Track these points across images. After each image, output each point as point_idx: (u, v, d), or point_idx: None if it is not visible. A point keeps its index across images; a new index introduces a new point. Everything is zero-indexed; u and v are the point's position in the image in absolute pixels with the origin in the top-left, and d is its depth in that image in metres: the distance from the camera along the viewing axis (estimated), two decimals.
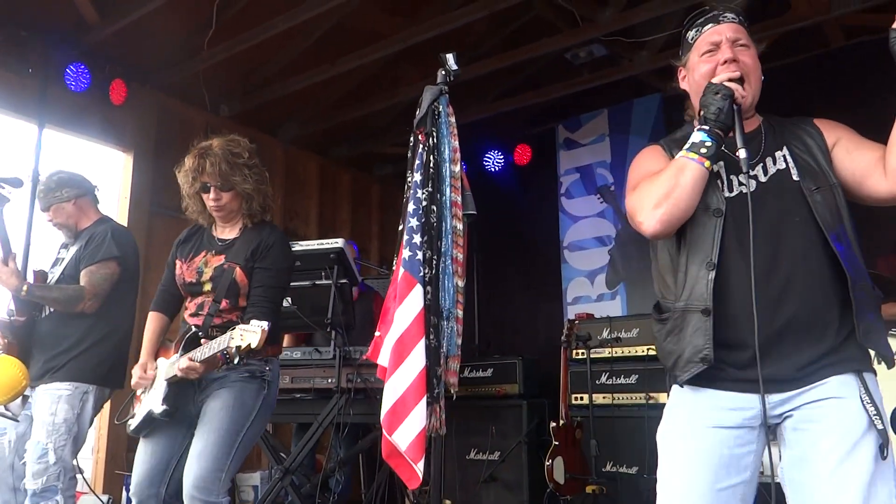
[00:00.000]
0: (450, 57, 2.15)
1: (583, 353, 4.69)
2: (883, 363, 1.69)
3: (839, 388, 1.62)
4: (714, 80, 1.70)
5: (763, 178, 1.74)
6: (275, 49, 5.44)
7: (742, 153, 1.60)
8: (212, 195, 2.65)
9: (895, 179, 1.63)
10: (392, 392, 2.01)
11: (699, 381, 1.71)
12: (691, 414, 1.74)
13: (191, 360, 2.40)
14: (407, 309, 2.03)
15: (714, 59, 1.77)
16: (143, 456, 2.60)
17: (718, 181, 1.74)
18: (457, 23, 5.00)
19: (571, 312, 5.83)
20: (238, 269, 2.61)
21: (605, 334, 4.81)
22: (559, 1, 4.86)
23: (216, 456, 2.43)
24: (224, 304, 2.58)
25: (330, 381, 3.57)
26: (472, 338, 6.46)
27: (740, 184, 1.72)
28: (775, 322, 1.63)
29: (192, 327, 2.59)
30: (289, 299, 3.66)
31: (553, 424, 4.44)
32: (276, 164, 6.35)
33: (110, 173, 5.35)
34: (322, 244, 3.69)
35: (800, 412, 1.66)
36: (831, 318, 1.64)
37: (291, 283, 3.68)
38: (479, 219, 6.83)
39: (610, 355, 4.73)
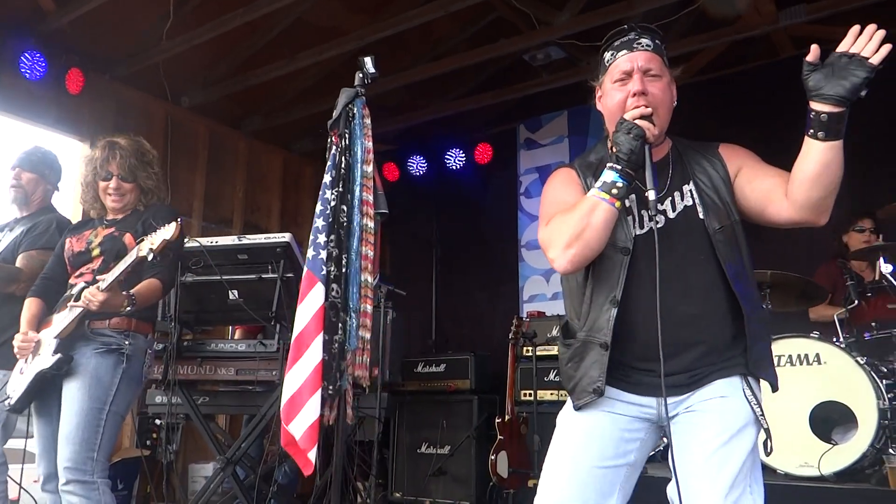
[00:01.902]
0: (367, 60, 2.20)
1: (530, 351, 4.78)
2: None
3: (724, 388, 1.73)
4: (626, 116, 1.71)
5: (671, 214, 1.78)
6: (237, 42, 5.46)
7: (651, 195, 1.63)
8: (113, 184, 2.82)
9: (795, 208, 1.68)
10: (291, 385, 2.09)
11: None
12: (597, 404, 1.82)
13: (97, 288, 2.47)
14: (307, 306, 2.10)
15: (625, 88, 1.77)
16: (36, 434, 2.71)
17: (629, 217, 1.78)
18: (417, 21, 5.05)
19: (528, 310, 5.92)
20: (128, 234, 2.75)
21: (554, 332, 4.90)
22: (515, 3, 4.91)
23: (83, 438, 2.51)
24: (112, 266, 2.63)
25: (274, 373, 3.60)
26: (429, 333, 6.54)
27: (650, 219, 1.76)
28: (681, 356, 1.73)
29: (80, 284, 2.68)
30: (235, 292, 3.70)
31: (498, 420, 4.52)
32: (239, 157, 6.37)
33: (67, 161, 5.32)
34: (269, 238, 3.72)
35: (688, 410, 1.76)
36: (727, 346, 1.75)
37: (238, 276, 3.77)
38: (439, 216, 6.95)
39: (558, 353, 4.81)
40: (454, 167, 6.63)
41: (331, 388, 2.19)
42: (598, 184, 1.69)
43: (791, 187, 1.67)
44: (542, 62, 5.46)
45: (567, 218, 1.72)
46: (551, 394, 4.84)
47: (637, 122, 1.68)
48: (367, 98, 6.24)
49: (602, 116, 1.91)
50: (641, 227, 1.77)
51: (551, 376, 4.88)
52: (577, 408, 1.79)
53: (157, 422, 4.72)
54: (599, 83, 1.90)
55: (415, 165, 6.81)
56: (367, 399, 4.48)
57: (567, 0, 5.01)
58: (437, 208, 6.79)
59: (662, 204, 1.78)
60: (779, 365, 3.47)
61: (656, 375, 1.70)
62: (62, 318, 2.65)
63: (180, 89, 5.74)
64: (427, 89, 6.30)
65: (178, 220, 2.36)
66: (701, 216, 1.76)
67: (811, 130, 1.60)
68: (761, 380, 1.76)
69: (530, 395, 4.80)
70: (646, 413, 1.79)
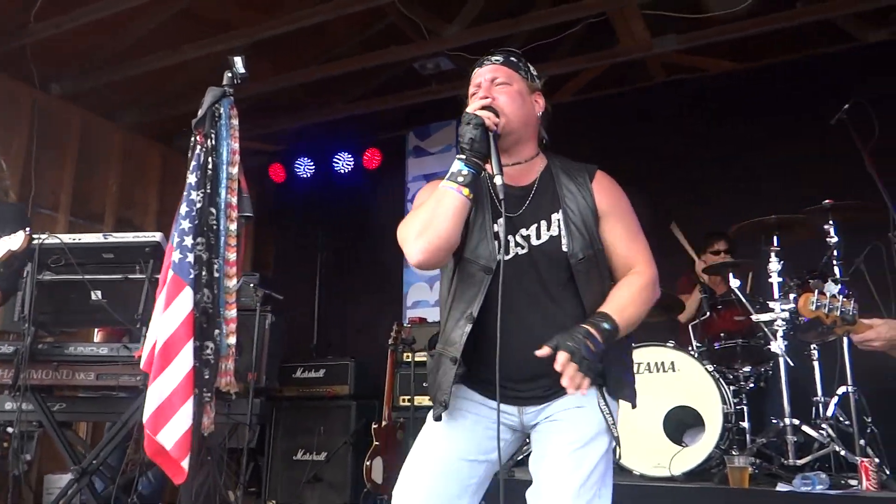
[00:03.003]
0: (237, 60, 2.16)
1: (409, 357, 4.82)
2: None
3: (581, 399, 1.78)
4: (467, 110, 1.77)
5: (535, 242, 1.82)
6: (116, 29, 5.19)
7: (497, 180, 1.67)
8: None
9: None
10: (158, 393, 2.01)
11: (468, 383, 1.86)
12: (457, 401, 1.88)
13: None
14: (175, 311, 2.03)
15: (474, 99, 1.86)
16: None
17: (497, 240, 1.81)
18: (309, 21, 5.00)
19: (410, 316, 5.97)
20: None
21: (429, 342, 4.96)
22: (406, 12, 4.97)
23: None
24: None
25: (138, 378, 3.44)
26: (311, 338, 6.45)
27: (517, 244, 1.81)
28: (538, 380, 1.79)
29: None
30: (98, 292, 3.52)
31: (375, 425, 4.53)
32: (114, 150, 6.05)
33: None
34: (138, 237, 3.57)
35: (548, 419, 1.84)
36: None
37: (102, 276, 3.59)
38: (325, 219, 6.88)
39: None
40: (342, 171, 6.60)
41: (207, 394, 2.13)
42: (447, 175, 1.73)
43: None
44: (431, 71, 5.55)
45: (418, 211, 1.77)
46: (428, 399, 4.88)
47: (476, 112, 1.74)
48: (257, 96, 6.10)
49: None
50: (507, 252, 1.80)
51: None
52: (436, 418, 1.82)
53: (9, 430, 4.39)
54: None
55: (302, 167, 6.72)
56: (240, 405, 4.37)
57: (457, 13, 5.12)
58: (324, 212, 6.73)
59: (528, 229, 1.82)
60: (638, 372, 3.67)
61: (513, 390, 1.80)
62: None
63: (51, 76, 5.40)
64: (318, 91, 6.24)
65: (27, 230, 2.18)
66: (564, 247, 1.79)
67: None
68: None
69: (408, 400, 4.83)
70: (508, 420, 1.85)
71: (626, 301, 1.75)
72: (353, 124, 6.54)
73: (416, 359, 4.81)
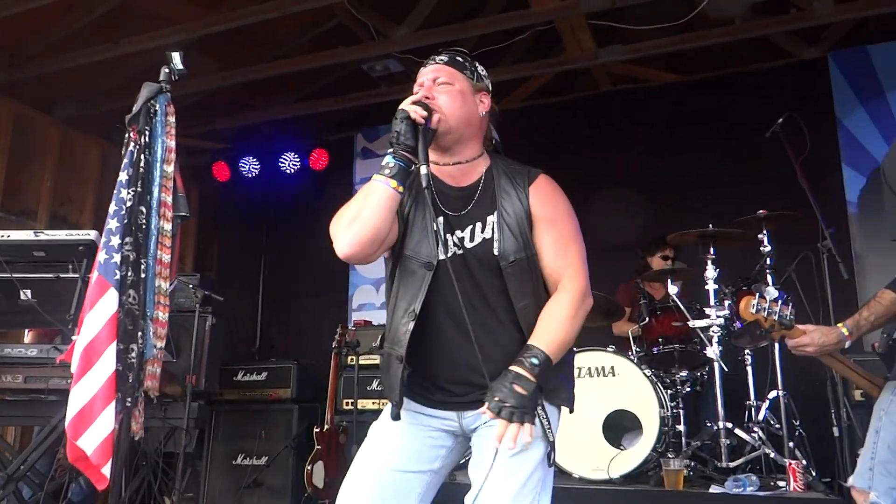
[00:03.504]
0: (175, 56, 2.11)
1: (353, 360, 4.78)
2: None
3: None
4: (401, 106, 1.77)
5: (469, 245, 1.82)
6: (52, 19, 5.01)
7: (423, 169, 1.67)
8: None
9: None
10: (79, 398, 1.94)
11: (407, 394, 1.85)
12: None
13: None
14: (98, 313, 1.96)
15: None
16: None
17: (435, 238, 1.80)
18: (254, 18, 4.93)
19: (356, 319, 5.92)
20: None
21: (379, 341, 4.94)
22: (355, 13, 4.94)
23: None
24: None
25: (68, 381, 3.32)
26: (253, 340, 6.35)
27: (454, 244, 1.82)
28: (470, 378, 1.79)
29: None
30: (28, 292, 3.39)
31: (317, 429, 4.48)
32: (50, 145, 5.83)
33: None
34: (70, 235, 3.44)
35: (487, 424, 1.82)
36: None
37: (32, 275, 3.45)
38: (270, 220, 6.78)
39: None
40: (289, 171, 6.50)
41: (128, 400, 2.07)
42: (378, 169, 1.74)
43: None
44: (380, 73, 5.52)
45: (348, 204, 1.77)
46: (373, 403, 4.87)
47: (403, 106, 1.74)
48: (201, 93, 5.97)
49: None
50: (446, 252, 1.80)
51: (374, 385, 4.91)
52: (394, 417, 1.82)
53: None
54: None
55: (247, 167, 6.60)
56: (177, 409, 4.26)
57: (406, 15, 5.12)
58: (269, 212, 6.63)
59: (463, 231, 1.83)
60: (579, 376, 3.72)
61: (453, 395, 1.81)
62: None
63: None
64: (265, 89, 6.15)
65: None
66: (496, 251, 1.79)
67: None
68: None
69: (352, 404, 4.80)
70: (448, 426, 1.85)
71: (555, 329, 1.73)
72: (300, 124, 6.46)
73: (361, 362, 4.78)
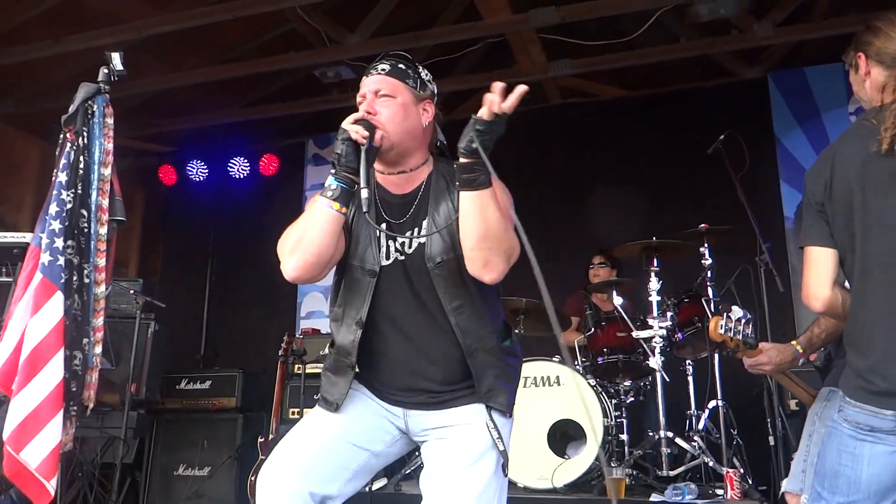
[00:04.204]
0: (115, 56, 2.06)
1: (300, 368, 4.72)
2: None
3: (468, 415, 1.81)
4: (342, 125, 1.75)
5: (408, 250, 1.83)
6: None
7: (363, 193, 1.65)
8: None
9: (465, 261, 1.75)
10: (22, 407, 1.86)
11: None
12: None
13: None
14: (44, 317, 1.89)
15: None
16: None
17: (378, 246, 1.83)
18: (203, 20, 4.85)
19: (304, 327, 5.85)
20: None
21: (327, 350, 4.88)
22: (307, 19, 4.91)
23: None
24: None
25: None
26: (198, 348, 6.21)
27: (396, 250, 1.83)
28: (419, 388, 1.82)
29: None
30: None
31: (261, 439, 4.40)
32: None
33: None
34: (6, 237, 3.33)
35: (435, 433, 1.84)
36: (465, 376, 1.81)
37: None
38: (218, 225, 6.66)
39: None
40: (238, 176, 6.41)
41: (74, 408, 2.00)
42: (322, 189, 1.73)
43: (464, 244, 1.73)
44: (332, 80, 5.48)
45: (293, 226, 1.77)
46: (319, 394, 4.80)
47: (345, 126, 1.73)
48: (147, 94, 5.82)
49: None
50: (388, 258, 1.83)
51: (320, 395, 4.85)
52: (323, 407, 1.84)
53: None
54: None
55: (195, 171, 6.48)
56: (115, 418, 4.15)
57: (359, 23, 5.11)
58: (217, 217, 6.51)
59: (403, 237, 1.84)
60: (524, 386, 3.76)
61: (396, 396, 1.83)
62: None
63: None
64: (215, 93, 6.04)
65: None
66: (428, 254, 1.80)
67: (456, 182, 1.69)
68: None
69: (298, 413, 4.73)
70: (394, 420, 1.86)
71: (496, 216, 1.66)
72: (250, 129, 6.38)
73: (308, 371, 4.72)
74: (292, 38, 5.61)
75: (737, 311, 2.08)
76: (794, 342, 2.19)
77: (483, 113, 1.61)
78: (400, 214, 1.86)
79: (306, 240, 1.71)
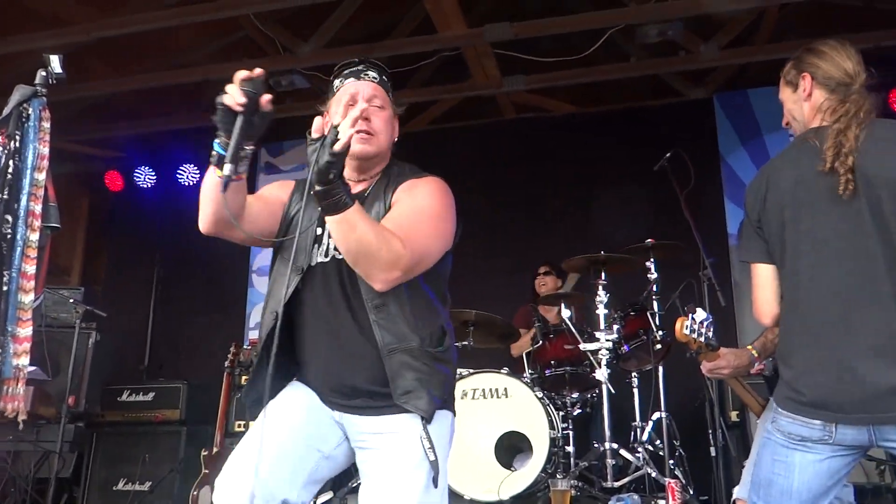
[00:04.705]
0: (54, 59, 2.00)
1: (246, 380, 4.64)
2: None
3: (398, 424, 1.77)
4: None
5: None
6: None
7: (226, 169, 1.61)
8: None
9: None
10: None
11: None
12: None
13: None
14: None
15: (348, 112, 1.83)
16: None
17: (320, 243, 1.83)
18: (152, 25, 4.78)
19: (252, 337, 5.76)
20: None
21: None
22: (261, 26, 4.88)
23: None
24: None
25: None
26: (142, 359, 6.06)
27: (335, 248, 1.80)
28: (345, 383, 1.79)
29: None
30: None
31: (205, 452, 4.31)
32: None
33: None
34: None
35: (369, 440, 1.81)
36: (385, 380, 1.76)
37: None
38: (165, 233, 6.53)
39: None
40: (187, 183, 6.30)
41: None
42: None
43: None
44: (286, 88, 5.44)
45: None
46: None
47: (222, 99, 1.69)
48: (95, 98, 5.68)
49: None
50: (326, 255, 1.82)
51: None
52: (243, 400, 1.86)
53: None
54: (326, 108, 1.92)
55: (143, 177, 6.34)
56: (51, 431, 4.02)
57: (314, 32, 5.09)
58: (165, 225, 6.36)
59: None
60: (473, 398, 3.78)
61: (334, 399, 1.81)
62: None
63: None
64: (165, 98, 5.94)
65: None
66: None
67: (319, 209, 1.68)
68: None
69: (244, 426, 4.64)
70: (336, 422, 1.83)
71: (366, 226, 1.63)
72: (201, 135, 6.23)
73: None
74: (246, 46, 5.57)
75: (700, 314, 2.09)
76: (749, 346, 2.21)
77: (315, 132, 1.62)
78: None
79: (202, 202, 1.76)
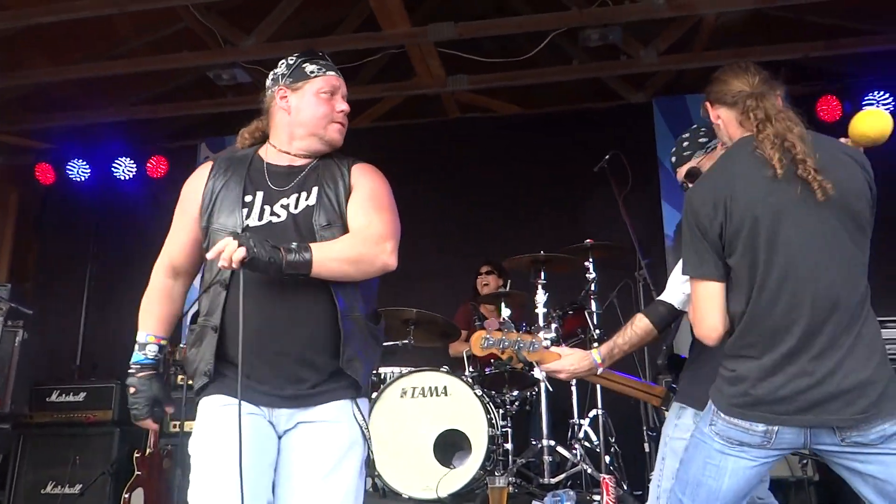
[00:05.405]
0: None
1: (182, 379, 4.55)
2: None
3: (334, 413, 1.79)
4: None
5: (294, 210, 1.86)
6: None
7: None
8: None
9: None
10: None
11: (220, 390, 1.78)
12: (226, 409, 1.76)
13: None
14: None
15: (331, 103, 1.93)
16: None
17: (246, 209, 1.84)
18: (86, 13, 4.62)
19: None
20: None
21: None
22: (201, 18, 4.77)
23: None
24: None
25: None
26: (74, 358, 5.86)
27: (272, 213, 1.84)
28: (271, 348, 1.76)
29: None
30: None
31: (138, 454, 4.21)
32: None
33: None
34: None
35: (297, 431, 1.80)
36: (327, 345, 1.78)
37: None
38: (99, 228, 6.34)
39: None
40: (123, 177, 6.12)
41: None
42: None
43: None
44: (227, 82, 5.34)
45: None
46: (188, 378, 4.63)
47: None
48: (26, 87, 5.47)
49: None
50: (260, 218, 1.85)
51: None
52: (197, 392, 1.81)
53: None
54: (290, 87, 1.94)
55: (76, 170, 6.14)
56: None
57: (255, 26, 5.01)
58: (99, 219, 6.18)
59: (288, 199, 1.87)
60: (411, 396, 3.78)
61: (265, 391, 1.76)
62: None
63: None
64: (101, 90, 5.76)
65: None
66: (314, 216, 1.84)
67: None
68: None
69: (178, 426, 4.54)
70: (263, 415, 1.78)
71: (337, 247, 1.78)
72: (138, 129, 6.12)
73: (190, 382, 4.54)
74: (186, 38, 5.43)
75: (493, 323, 2.08)
76: (594, 350, 2.19)
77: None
78: (284, 182, 1.89)
79: None
